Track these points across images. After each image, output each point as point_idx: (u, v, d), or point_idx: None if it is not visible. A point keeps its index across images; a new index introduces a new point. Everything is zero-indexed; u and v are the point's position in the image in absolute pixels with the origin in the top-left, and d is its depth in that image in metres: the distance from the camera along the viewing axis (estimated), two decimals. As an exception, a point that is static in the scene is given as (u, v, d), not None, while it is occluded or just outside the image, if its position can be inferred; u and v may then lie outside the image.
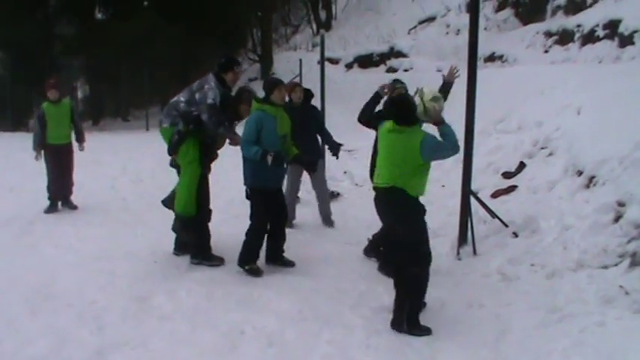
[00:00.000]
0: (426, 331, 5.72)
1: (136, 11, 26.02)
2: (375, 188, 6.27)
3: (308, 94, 9.14)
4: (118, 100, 36.12)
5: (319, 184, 9.39)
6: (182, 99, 7.69)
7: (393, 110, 6.18)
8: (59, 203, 10.55)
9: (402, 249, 5.94)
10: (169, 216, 9.15)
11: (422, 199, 6.04)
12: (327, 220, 9.47)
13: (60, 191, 10.53)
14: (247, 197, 7.43)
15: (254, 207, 7.38)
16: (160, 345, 5.37)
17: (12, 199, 11.35)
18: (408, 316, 5.77)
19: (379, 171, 6.18)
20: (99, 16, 31.30)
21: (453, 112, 8.06)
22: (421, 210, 6.02)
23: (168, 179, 12.67)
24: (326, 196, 9.54)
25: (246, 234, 7.41)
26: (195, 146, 7.56)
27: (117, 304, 6.29)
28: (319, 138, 9.32)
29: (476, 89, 7.74)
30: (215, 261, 7.64)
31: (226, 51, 32.26)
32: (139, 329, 5.69)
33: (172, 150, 7.70)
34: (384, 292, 6.75)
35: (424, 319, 5.99)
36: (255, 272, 7.29)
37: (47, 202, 10.42)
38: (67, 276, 7.08)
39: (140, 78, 27.29)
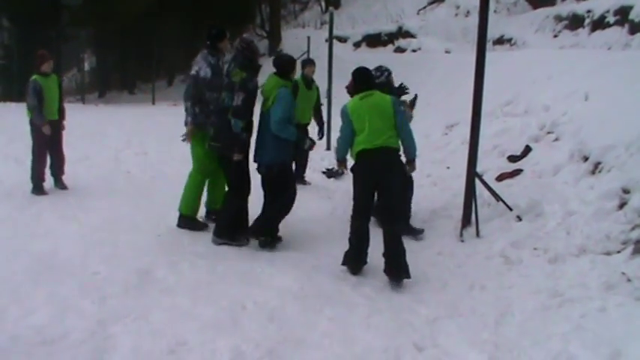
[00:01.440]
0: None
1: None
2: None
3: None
4: (124, 72, 36.03)
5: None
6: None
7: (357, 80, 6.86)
8: (51, 183, 10.10)
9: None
10: (173, 189, 9.19)
11: (427, 180, 6.10)
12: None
13: (45, 170, 9.95)
14: (268, 175, 7.41)
15: (285, 180, 7.47)
16: (161, 318, 5.37)
17: (17, 169, 11.35)
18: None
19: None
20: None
21: (459, 93, 8.06)
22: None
23: (172, 152, 12.77)
24: None
25: (277, 207, 7.47)
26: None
27: (119, 275, 6.30)
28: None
29: (484, 72, 7.69)
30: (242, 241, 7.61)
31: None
32: (141, 301, 5.70)
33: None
34: (386, 271, 6.78)
35: (425, 299, 6.01)
36: (279, 240, 7.63)
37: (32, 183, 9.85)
38: (70, 246, 7.10)
39: (148, 51, 27.21)
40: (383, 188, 6.56)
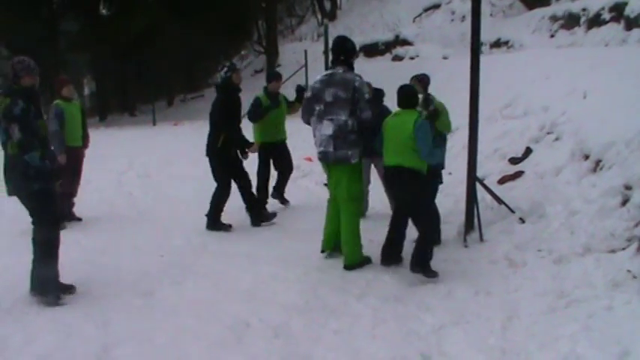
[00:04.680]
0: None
1: (139, 6, 25.97)
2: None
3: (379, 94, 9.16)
4: (124, 95, 36.13)
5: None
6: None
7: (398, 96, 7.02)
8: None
9: None
10: (175, 210, 9.21)
11: None
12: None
13: (68, 200, 9.52)
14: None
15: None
16: (166, 339, 5.35)
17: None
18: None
19: None
20: (103, 12, 31.30)
21: (458, 99, 8.04)
22: None
23: (174, 173, 12.77)
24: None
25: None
26: None
27: (122, 298, 6.29)
28: None
29: (479, 76, 7.68)
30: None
31: (235, 43, 32.70)
32: (145, 324, 5.67)
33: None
34: (390, 280, 6.75)
35: (431, 306, 5.96)
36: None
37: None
38: (72, 271, 7.06)
39: (146, 73, 27.29)
40: (401, 202, 7.18)
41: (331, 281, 6.77)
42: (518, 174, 9.12)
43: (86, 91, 43.34)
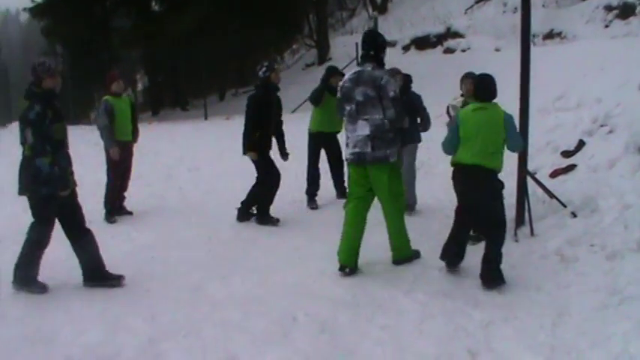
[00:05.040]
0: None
1: (191, 2, 26.11)
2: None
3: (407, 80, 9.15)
4: (176, 90, 36.43)
5: (406, 170, 8.84)
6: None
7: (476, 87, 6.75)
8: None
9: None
10: (225, 204, 9.25)
11: None
12: (409, 207, 8.90)
13: (119, 194, 9.78)
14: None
15: None
16: (212, 333, 5.36)
17: (72, 190, 11.54)
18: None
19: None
20: (155, 8, 31.59)
21: (511, 91, 7.90)
22: None
23: (225, 167, 12.83)
24: (412, 183, 9.14)
25: None
26: None
27: (170, 292, 6.34)
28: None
29: (529, 68, 7.54)
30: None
31: (286, 37, 32.84)
32: (192, 317, 5.70)
33: None
34: (439, 276, 6.68)
35: (479, 302, 5.87)
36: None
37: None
38: (122, 265, 7.14)
39: (198, 68, 27.47)
40: (471, 205, 6.60)
41: (379, 276, 6.73)
42: (571, 167, 8.94)
43: (139, 87, 43.83)
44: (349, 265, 6.81)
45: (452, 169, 6.68)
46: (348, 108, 6.86)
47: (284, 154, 9.37)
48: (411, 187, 8.93)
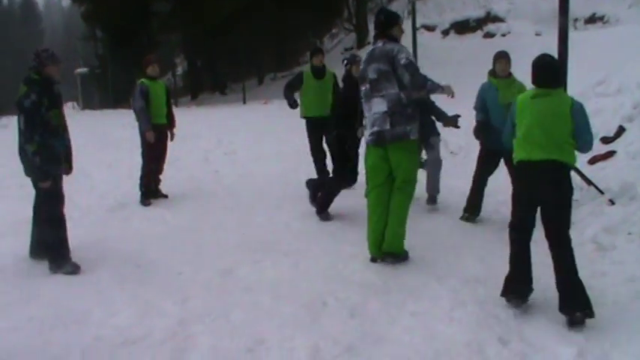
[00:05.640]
0: None
1: (230, -15, 26.15)
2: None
3: None
4: (215, 74, 36.58)
5: (431, 161, 8.79)
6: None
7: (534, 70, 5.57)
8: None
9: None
10: (260, 187, 9.25)
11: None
12: (431, 199, 8.86)
13: (154, 177, 9.82)
14: None
15: None
16: (241, 316, 5.35)
17: (109, 174, 11.67)
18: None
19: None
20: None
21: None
22: None
23: (261, 151, 12.84)
24: (436, 174, 8.86)
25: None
26: None
27: (201, 275, 6.36)
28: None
29: (567, 52, 7.38)
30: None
31: (325, 21, 32.69)
32: (222, 301, 5.70)
33: None
34: (473, 263, 6.62)
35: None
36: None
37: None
38: (155, 248, 7.21)
39: (236, 52, 27.54)
40: (544, 207, 5.45)
41: (412, 262, 6.66)
42: (610, 154, 8.78)
43: (179, 71, 44.09)
44: (379, 256, 6.69)
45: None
46: (363, 89, 6.68)
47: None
48: (435, 179, 8.75)
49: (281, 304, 5.59)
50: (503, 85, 7.61)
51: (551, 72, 5.50)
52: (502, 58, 7.84)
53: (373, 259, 6.72)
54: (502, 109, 7.43)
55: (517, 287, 5.45)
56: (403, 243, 6.71)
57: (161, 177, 9.96)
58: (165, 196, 9.83)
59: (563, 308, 5.16)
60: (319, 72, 9.82)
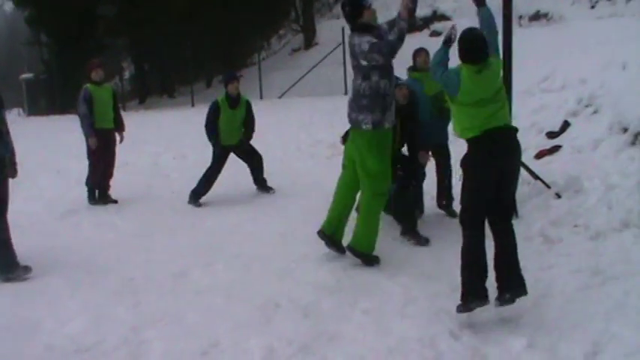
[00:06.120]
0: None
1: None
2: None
3: None
4: (163, 77, 36.30)
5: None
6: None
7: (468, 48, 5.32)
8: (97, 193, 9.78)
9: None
10: (210, 191, 9.24)
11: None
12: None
13: (101, 181, 9.75)
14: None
15: None
16: (195, 320, 5.35)
17: (58, 180, 11.52)
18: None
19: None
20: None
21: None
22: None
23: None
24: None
25: None
26: None
27: (154, 280, 6.33)
28: None
29: (512, 49, 7.51)
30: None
31: (272, 22, 32.61)
32: (175, 304, 5.69)
33: None
34: (423, 258, 6.69)
35: (457, 284, 5.79)
36: None
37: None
38: (106, 254, 7.16)
39: (184, 54, 27.36)
40: (506, 178, 5.28)
41: (363, 260, 6.71)
42: (556, 148, 8.95)
43: (126, 75, 43.61)
44: (326, 232, 6.80)
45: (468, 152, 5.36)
46: None
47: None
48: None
49: (234, 306, 5.60)
50: (425, 76, 7.65)
51: (484, 43, 5.38)
52: (422, 51, 8.14)
53: (319, 232, 6.86)
54: (429, 100, 7.68)
55: (481, 288, 5.11)
56: (369, 245, 6.62)
57: (111, 182, 9.85)
58: (115, 202, 9.71)
59: (505, 284, 5.10)
60: (234, 101, 9.76)
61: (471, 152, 5.28)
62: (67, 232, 8.25)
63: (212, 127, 9.70)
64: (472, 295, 5.08)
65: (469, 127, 5.25)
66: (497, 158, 5.17)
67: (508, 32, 7.51)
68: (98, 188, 9.73)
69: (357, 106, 6.49)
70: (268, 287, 6.02)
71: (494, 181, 5.17)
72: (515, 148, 5.34)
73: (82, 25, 28.48)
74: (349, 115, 6.62)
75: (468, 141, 5.27)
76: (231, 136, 9.75)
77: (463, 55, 5.30)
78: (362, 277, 6.24)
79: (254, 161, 10.01)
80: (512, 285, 5.10)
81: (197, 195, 9.49)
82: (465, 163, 5.31)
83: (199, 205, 9.38)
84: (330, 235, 6.83)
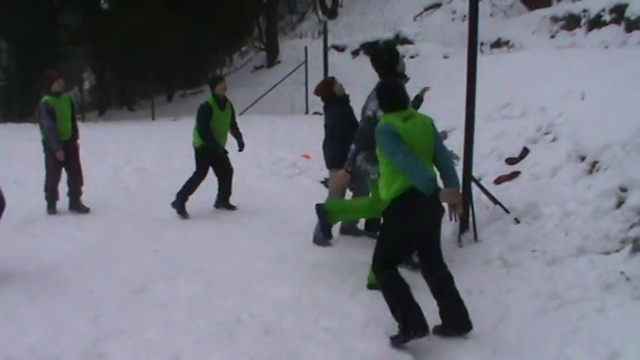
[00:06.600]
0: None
1: (140, 0, 25.87)
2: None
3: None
4: (124, 89, 36.07)
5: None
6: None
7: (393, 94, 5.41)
8: (57, 203, 9.88)
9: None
10: (170, 205, 9.21)
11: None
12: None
13: (58, 188, 9.83)
14: None
15: None
16: (156, 334, 5.34)
17: (16, 190, 11.34)
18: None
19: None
20: (104, 5, 31.21)
21: (458, 98, 8.01)
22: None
23: (171, 167, 12.74)
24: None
25: None
26: None
27: (114, 293, 6.29)
28: None
29: (476, 75, 7.65)
30: None
31: (235, 39, 32.74)
32: (136, 318, 5.67)
33: None
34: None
35: (423, 305, 5.86)
36: None
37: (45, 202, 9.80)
38: (65, 265, 7.11)
39: (146, 68, 27.21)
40: (432, 237, 5.49)
41: (324, 279, 6.76)
42: (515, 174, 9.09)
43: (86, 85, 43.23)
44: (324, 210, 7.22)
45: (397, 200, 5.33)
46: None
47: None
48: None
49: (196, 321, 5.60)
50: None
51: (404, 92, 5.66)
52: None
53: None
54: None
55: (420, 319, 5.17)
56: (335, 211, 7.23)
57: (82, 189, 9.92)
58: (87, 210, 9.80)
59: (456, 323, 5.35)
60: (222, 102, 9.73)
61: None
62: (26, 243, 8.19)
63: (208, 136, 9.50)
64: (413, 327, 5.11)
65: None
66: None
67: (473, 58, 7.65)
68: (57, 198, 9.72)
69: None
70: (230, 303, 6.03)
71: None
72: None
73: (43, 33, 28.14)
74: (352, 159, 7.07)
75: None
76: (221, 139, 9.72)
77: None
78: (323, 295, 6.28)
79: (229, 175, 9.95)
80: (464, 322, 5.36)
81: (183, 198, 9.62)
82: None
83: (186, 217, 9.48)
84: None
